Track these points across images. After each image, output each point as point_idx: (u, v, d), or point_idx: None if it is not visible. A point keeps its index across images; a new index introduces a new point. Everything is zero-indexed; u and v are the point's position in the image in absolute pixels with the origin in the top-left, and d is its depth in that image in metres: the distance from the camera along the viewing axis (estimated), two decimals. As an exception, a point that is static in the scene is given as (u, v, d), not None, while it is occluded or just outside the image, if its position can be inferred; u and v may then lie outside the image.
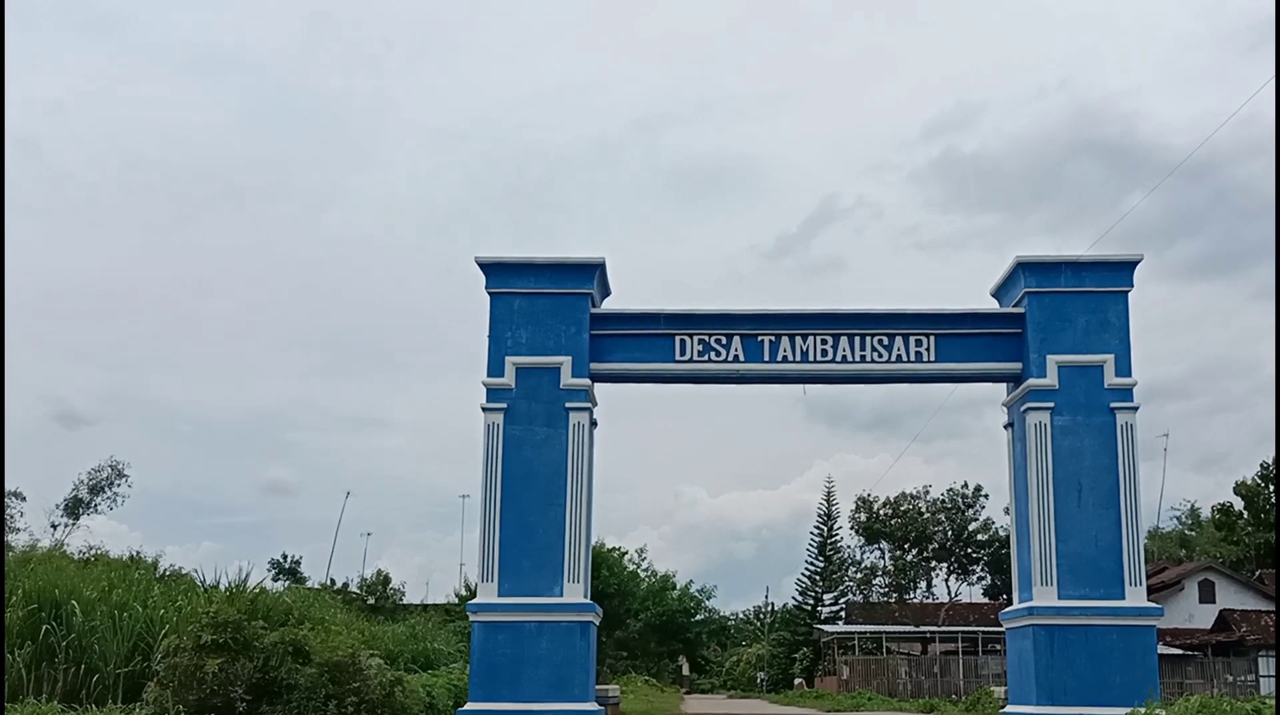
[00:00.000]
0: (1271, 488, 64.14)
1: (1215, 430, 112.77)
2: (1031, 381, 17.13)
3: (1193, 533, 78.36)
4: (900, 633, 56.19)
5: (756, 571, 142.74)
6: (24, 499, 55.75)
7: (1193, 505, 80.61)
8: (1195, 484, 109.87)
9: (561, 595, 16.43)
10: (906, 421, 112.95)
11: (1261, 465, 64.97)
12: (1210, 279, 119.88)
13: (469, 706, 15.96)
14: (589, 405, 17.19)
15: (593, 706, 16.24)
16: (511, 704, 15.86)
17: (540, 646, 16.18)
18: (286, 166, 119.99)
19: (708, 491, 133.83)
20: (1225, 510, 68.01)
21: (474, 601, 16.60)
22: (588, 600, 16.69)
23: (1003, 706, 17.99)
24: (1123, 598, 16.43)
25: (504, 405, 16.99)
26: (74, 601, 19.67)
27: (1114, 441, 16.87)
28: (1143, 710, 14.27)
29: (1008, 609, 18.01)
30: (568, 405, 17.00)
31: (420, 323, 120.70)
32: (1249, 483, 65.55)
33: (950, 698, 31.46)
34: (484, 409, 17.04)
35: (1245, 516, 65.34)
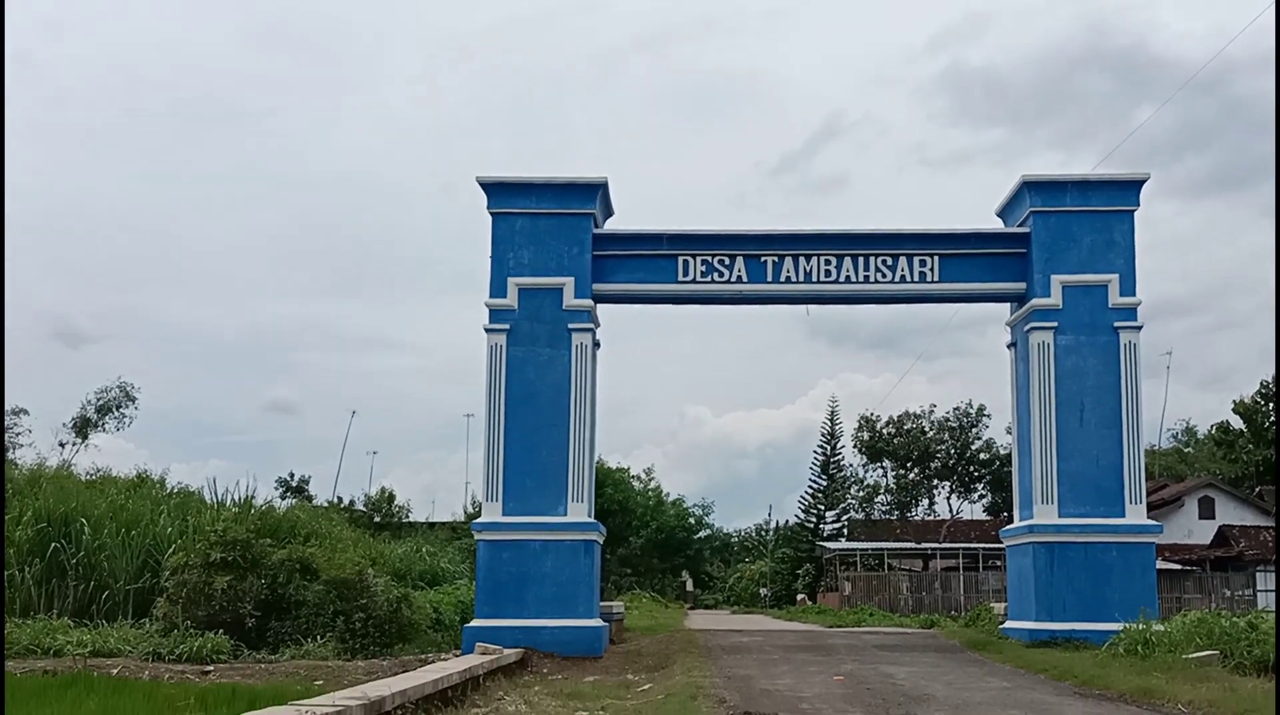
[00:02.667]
0: (1271, 406, 64.24)
1: (1220, 348, 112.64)
2: (1035, 301, 17.08)
3: (1190, 450, 78.61)
4: (902, 549, 56.56)
5: (760, 490, 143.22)
6: (27, 413, 56.02)
7: (1188, 423, 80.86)
8: (1198, 401, 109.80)
9: (565, 514, 16.55)
10: (910, 341, 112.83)
11: (1261, 383, 64.99)
12: (1219, 195, 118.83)
13: (475, 623, 16.14)
14: (591, 326, 17.16)
15: (597, 622, 16.44)
16: (517, 620, 16.02)
17: (545, 564, 16.33)
18: (287, 86, 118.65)
19: (712, 411, 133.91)
20: (1225, 429, 68.20)
21: (479, 521, 16.71)
22: (591, 519, 16.82)
23: (1002, 622, 18.18)
24: (1123, 516, 16.54)
25: (507, 326, 16.96)
26: (83, 520, 19.84)
27: (1117, 361, 16.87)
28: (1140, 625, 14.39)
29: (1008, 526, 18.15)
30: (570, 326, 16.97)
31: (424, 243, 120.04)
32: (1248, 402, 65.62)
33: (950, 613, 31.76)
34: (487, 330, 17.00)
35: (1245, 434, 65.50)
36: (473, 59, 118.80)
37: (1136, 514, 16.55)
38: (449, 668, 10.50)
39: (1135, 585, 16.22)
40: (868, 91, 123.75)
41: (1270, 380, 64.17)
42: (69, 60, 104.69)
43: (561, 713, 9.68)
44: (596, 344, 17.53)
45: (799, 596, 61.08)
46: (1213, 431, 71.28)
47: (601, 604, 18.04)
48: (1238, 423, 66.72)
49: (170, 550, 19.21)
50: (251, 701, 10.27)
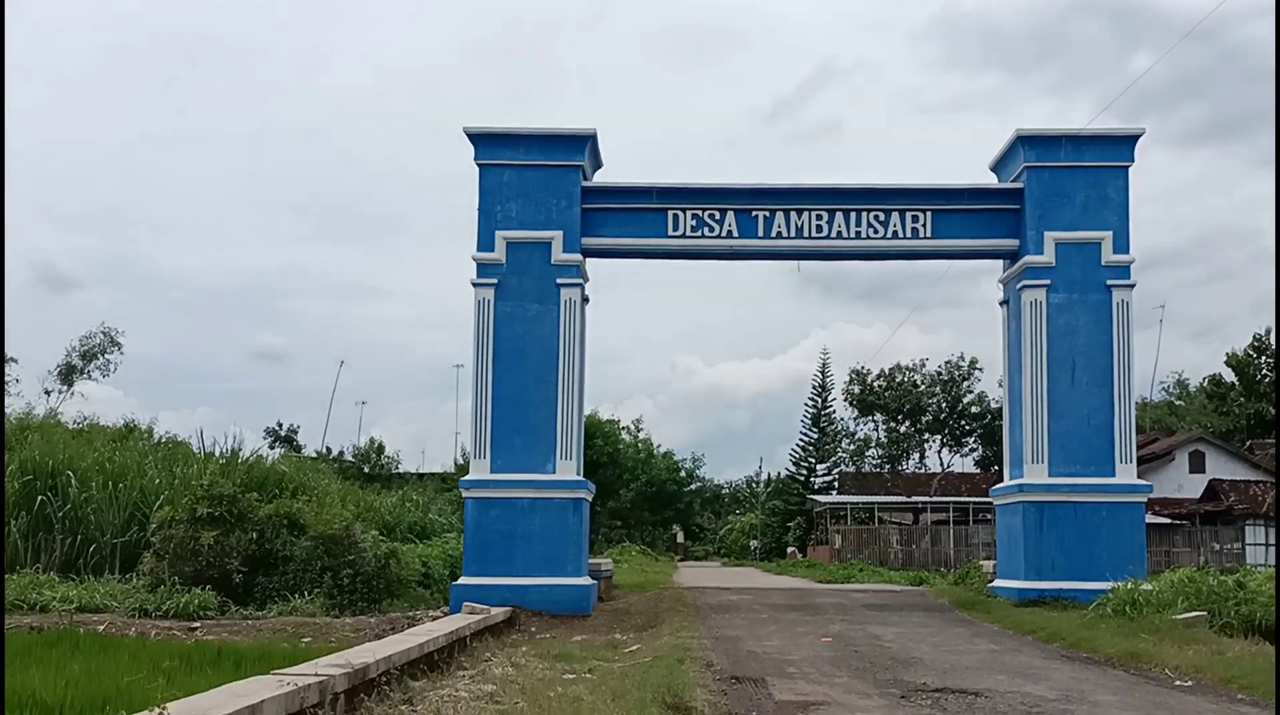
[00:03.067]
0: (1263, 359, 64.32)
1: (1213, 299, 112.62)
2: (1028, 258, 16.92)
3: (1181, 403, 78.83)
4: (892, 503, 56.77)
5: (752, 440, 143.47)
6: (15, 362, 55.82)
7: (1180, 376, 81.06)
8: (1190, 353, 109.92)
9: (554, 472, 16.43)
10: (902, 291, 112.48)
11: (1255, 337, 65.08)
12: (1214, 144, 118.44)
13: (463, 580, 16.07)
14: (580, 281, 16.97)
15: (585, 581, 16.38)
16: (505, 578, 15.95)
17: (533, 522, 16.24)
18: (276, 26, 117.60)
19: (703, 361, 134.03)
20: (1217, 382, 68.35)
21: (466, 478, 16.60)
22: (580, 477, 16.70)
23: (991, 580, 18.17)
24: (1113, 475, 16.49)
25: (494, 281, 16.75)
26: (70, 472, 19.76)
27: (1109, 319, 16.76)
28: (1128, 585, 14.37)
29: (998, 485, 18.10)
30: (559, 281, 16.78)
31: (414, 188, 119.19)
32: (1240, 355, 65.74)
33: (940, 569, 31.86)
34: (474, 284, 16.80)
35: (1237, 387, 65.65)
36: (461, 3, 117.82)
37: (1126, 473, 16.50)
38: (435, 630, 10.41)
39: (1124, 544, 16.20)
40: (861, 36, 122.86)
41: (1263, 333, 64.31)
42: (56, 1, 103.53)
43: (548, 675, 9.59)
44: (585, 299, 17.35)
45: (789, 550, 61.32)
46: (1204, 384, 71.53)
47: (590, 561, 17.99)
48: (1230, 376, 66.89)
49: (157, 503, 19.16)
50: (237, 662, 10.22)
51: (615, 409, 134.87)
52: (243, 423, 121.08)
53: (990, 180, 18.32)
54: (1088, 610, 14.26)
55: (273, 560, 16.79)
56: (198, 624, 14.64)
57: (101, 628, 14.06)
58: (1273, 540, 46.39)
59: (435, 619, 15.03)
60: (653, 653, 10.97)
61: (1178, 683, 9.04)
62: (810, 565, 42.04)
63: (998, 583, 17.50)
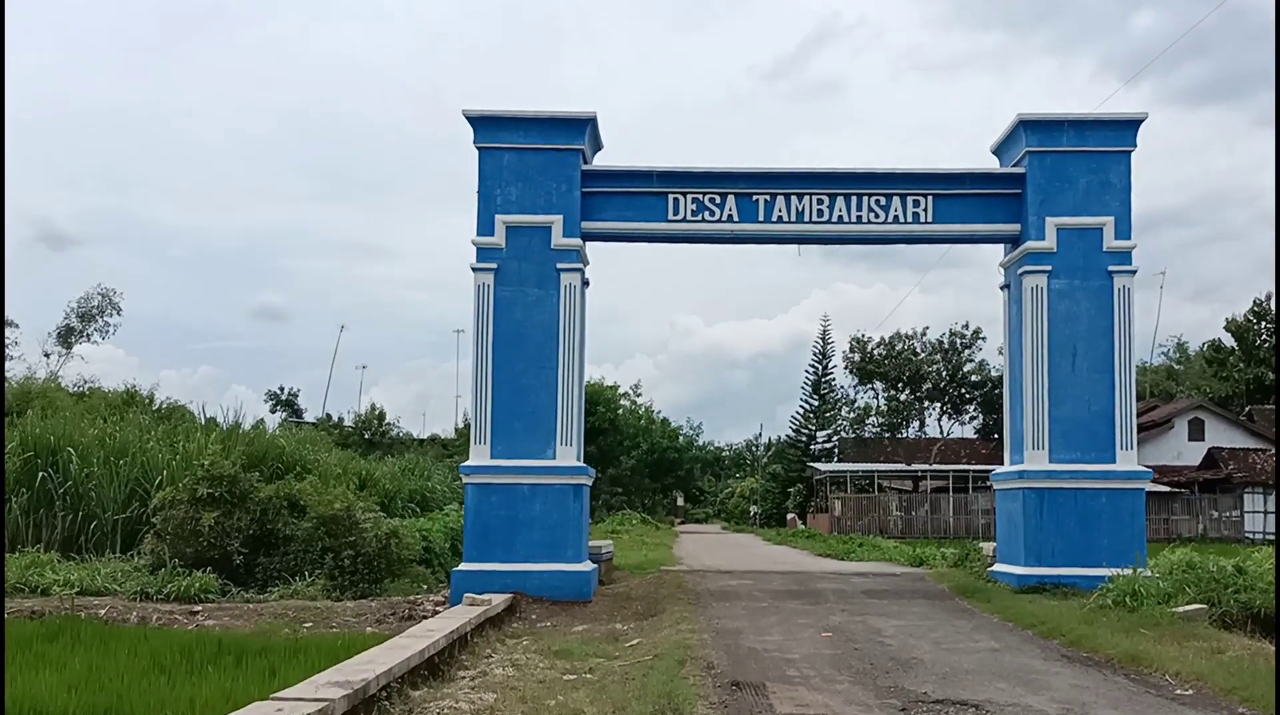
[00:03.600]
0: (1262, 324, 64.32)
1: (1214, 259, 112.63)
2: (1029, 244, 16.85)
3: (1180, 367, 78.92)
4: (892, 471, 56.92)
5: (752, 400, 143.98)
6: (16, 326, 55.82)
7: (1179, 339, 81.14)
8: (1191, 313, 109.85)
9: (554, 458, 16.41)
10: (902, 252, 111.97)
11: (1255, 302, 65.07)
12: (1217, 103, 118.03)
13: (464, 566, 16.08)
14: (580, 266, 16.90)
15: (585, 566, 16.41)
16: (506, 564, 15.98)
17: (533, 508, 16.25)
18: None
19: (703, 321, 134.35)
20: (1216, 347, 68.41)
21: (467, 464, 16.58)
22: (580, 463, 16.70)
23: (990, 564, 18.20)
24: (1114, 461, 16.48)
25: (494, 265, 16.67)
26: (70, 449, 19.81)
27: (1110, 305, 16.70)
28: (1129, 573, 14.40)
29: (998, 470, 18.09)
30: (559, 266, 16.70)
31: (413, 148, 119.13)
32: (1239, 320, 65.75)
33: (940, 538, 31.95)
34: (474, 269, 16.72)
35: (1236, 352, 65.71)
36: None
37: (1128, 460, 16.49)
38: (436, 631, 10.42)
39: (1125, 531, 16.22)
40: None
41: (1263, 298, 64.24)
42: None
43: (549, 676, 9.64)
44: (586, 283, 17.29)
45: (789, 516, 61.56)
46: (1204, 349, 71.53)
47: (590, 543, 18.03)
48: (1229, 341, 66.91)
49: (158, 481, 19.22)
50: (239, 657, 10.27)
51: (615, 369, 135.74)
52: (244, 381, 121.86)
53: (992, 164, 18.22)
54: (1088, 599, 14.29)
55: (274, 541, 16.89)
56: (199, 607, 14.72)
57: (103, 612, 14.15)
58: (1272, 508, 46.54)
59: (436, 605, 15.14)
60: (653, 648, 11.01)
61: (1178, 691, 9.05)
62: (810, 535, 42.15)
63: (998, 567, 17.53)
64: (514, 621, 14.27)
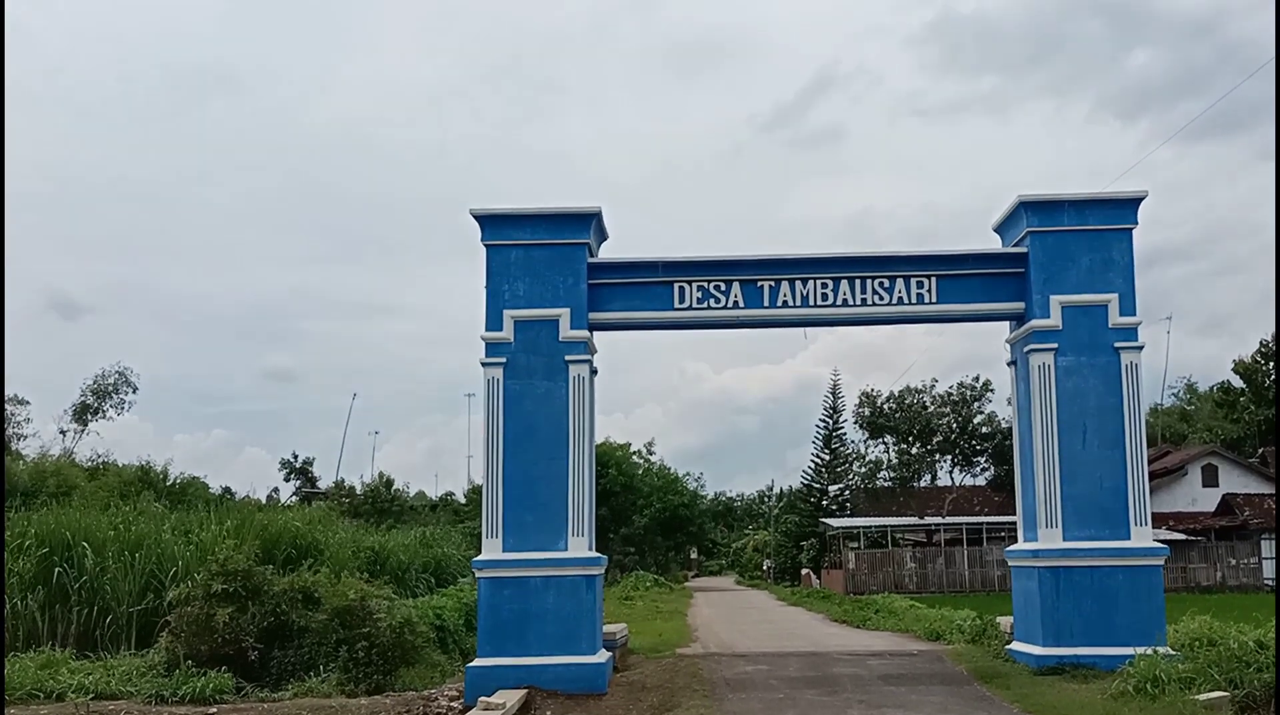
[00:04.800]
0: (1271, 365, 64.09)
1: (1220, 293, 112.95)
2: (1034, 322, 16.91)
3: (1192, 407, 78.79)
4: (905, 525, 56.67)
5: (763, 445, 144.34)
6: (28, 403, 56.15)
7: (1188, 381, 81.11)
8: (1199, 348, 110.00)
9: (566, 549, 16.40)
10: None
11: (1261, 343, 64.90)
12: (1216, 138, 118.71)
13: (477, 662, 16.03)
14: (588, 357, 16.98)
15: (599, 658, 16.35)
16: (519, 658, 15.93)
17: (546, 601, 16.22)
18: (280, 52, 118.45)
19: (712, 367, 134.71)
20: (1225, 389, 68.25)
21: (479, 558, 16.59)
22: (592, 553, 16.70)
23: (1009, 641, 18.11)
24: (1128, 538, 16.43)
25: (503, 359, 16.77)
26: (85, 544, 19.88)
27: (1118, 381, 16.72)
28: (1149, 658, 14.32)
29: (1012, 547, 18.05)
30: (567, 358, 16.78)
31: (420, 207, 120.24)
32: (1247, 361, 65.57)
33: (957, 603, 31.71)
34: (483, 364, 16.83)
35: (1246, 394, 65.50)
36: (463, 22, 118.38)
37: (1142, 536, 16.44)
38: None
39: (1143, 608, 16.14)
40: (860, 42, 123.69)
41: (1270, 339, 64.05)
42: (63, 30, 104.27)
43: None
44: (594, 372, 17.37)
45: (804, 571, 61.33)
46: (1214, 392, 71.34)
47: (605, 628, 17.98)
48: (1239, 382, 66.70)
49: (172, 572, 19.27)
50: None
51: (626, 418, 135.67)
52: (258, 444, 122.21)
53: (994, 243, 18.33)
54: (1108, 683, 14.22)
55: (288, 633, 16.85)
56: (214, 710, 14.72)
57: (118, 720, 14.14)
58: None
59: (450, 700, 15.10)
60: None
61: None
62: (824, 596, 42.02)
63: (1016, 646, 17.44)
64: (529, 719, 14.26)
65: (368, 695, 15.42)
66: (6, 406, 55.55)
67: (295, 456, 79.66)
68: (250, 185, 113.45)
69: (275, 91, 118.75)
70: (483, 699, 14.03)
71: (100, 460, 52.30)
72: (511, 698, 14.37)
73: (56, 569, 19.45)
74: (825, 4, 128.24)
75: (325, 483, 74.96)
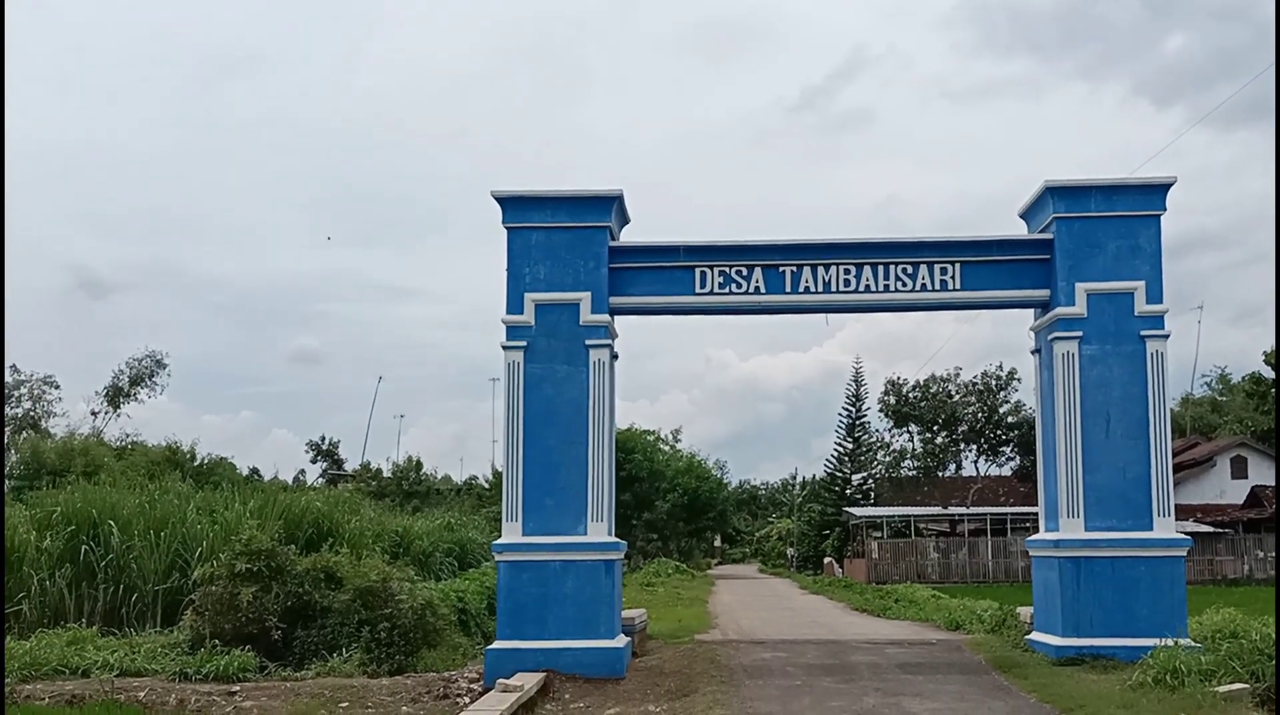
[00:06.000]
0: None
1: (1253, 282, 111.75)
2: (1059, 310, 16.78)
3: (1225, 398, 78.13)
4: (928, 515, 56.50)
5: (788, 433, 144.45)
6: (58, 386, 56.67)
7: (1222, 371, 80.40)
8: (1233, 338, 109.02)
9: (585, 534, 16.43)
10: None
11: (1292, 332, 64.10)
12: (1252, 125, 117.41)
13: (496, 645, 16.10)
14: (609, 341, 16.97)
15: (618, 643, 16.39)
16: (538, 641, 15.98)
17: (565, 585, 16.26)
18: (306, 33, 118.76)
19: (738, 355, 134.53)
20: (1256, 379, 67.60)
21: (499, 542, 16.64)
22: (612, 538, 16.72)
23: (1028, 631, 18.04)
24: (1151, 529, 16.30)
25: (524, 343, 16.79)
26: (111, 522, 20.05)
27: (1143, 370, 16.56)
28: (1169, 649, 14.22)
29: (1033, 537, 17.96)
30: (588, 342, 16.79)
31: (446, 190, 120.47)
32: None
33: (979, 593, 31.64)
34: (504, 347, 16.85)
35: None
36: (489, 2, 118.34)
37: (1165, 527, 16.30)
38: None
39: (1164, 600, 16.01)
40: (888, 23, 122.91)
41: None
42: (90, 9, 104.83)
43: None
44: (614, 356, 17.36)
45: (826, 560, 61.26)
46: (1244, 382, 70.70)
47: (624, 613, 18.03)
48: (1270, 373, 66.05)
49: (198, 552, 19.44)
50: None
51: (651, 405, 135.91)
52: (285, 425, 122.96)
53: (1020, 228, 18.19)
54: (1127, 674, 14.14)
55: (311, 613, 16.97)
56: (237, 687, 14.86)
57: (142, 695, 14.31)
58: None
59: (471, 681, 15.19)
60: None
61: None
62: (846, 585, 41.93)
63: (1035, 636, 17.36)
64: (547, 703, 14.31)
65: (389, 676, 15.53)
66: (37, 386, 56.06)
67: (322, 439, 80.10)
68: (277, 166, 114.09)
69: (302, 72, 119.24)
70: (501, 680, 14.10)
71: (129, 440, 52.76)
72: (530, 680, 14.42)
73: (84, 547, 19.67)
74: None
75: (352, 465, 75.38)
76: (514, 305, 16.92)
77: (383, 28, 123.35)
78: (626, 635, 17.41)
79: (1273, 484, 52.22)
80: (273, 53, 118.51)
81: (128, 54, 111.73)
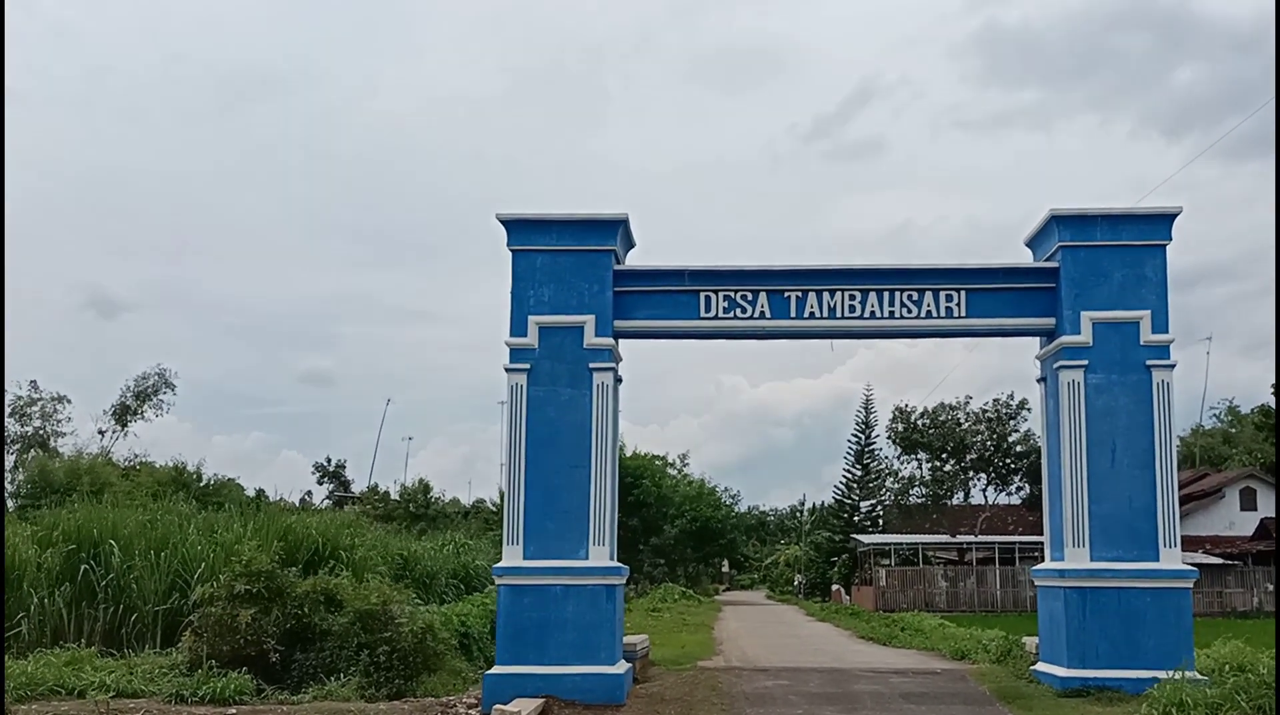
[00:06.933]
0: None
1: (1264, 314, 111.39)
2: (1064, 338, 16.69)
3: (1234, 430, 77.88)
4: (936, 543, 56.24)
5: (798, 459, 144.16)
6: (69, 402, 56.76)
7: (1230, 403, 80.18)
8: (1243, 369, 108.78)
9: (587, 558, 16.31)
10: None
11: (1301, 365, 63.88)
12: (1262, 157, 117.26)
13: (496, 670, 15.96)
14: (613, 364, 16.91)
15: (619, 669, 16.24)
16: (538, 667, 15.83)
17: (566, 610, 16.12)
18: (324, 57, 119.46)
19: (748, 381, 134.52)
20: (1265, 412, 67.36)
21: (499, 565, 16.54)
22: (614, 563, 16.61)
23: (1033, 662, 17.87)
24: (1157, 560, 16.15)
25: (527, 365, 16.72)
26: (112, 541, 20.00)
27: (1149, 400, 16.44)
28: (1175, 683, 14.05)
29: (1039, 566, 17.81)
30: (591, 365, 16.72)
31: (458, 213, 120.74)
32: (1286, 385, 64.57)
33: (986, 623, 31.42)
34: (507, 369, 16.79)
35: (1286, 417, 64.57)
36: (507, 29, 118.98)
37: (1171, 558, 16.15)
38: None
39: (1170, 632, 15.84)
40: (900, 53, 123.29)
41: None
42: (109, 32, 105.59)
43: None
44: (618, 380, 17.31)
45: (834, 587, 60.99)
46: (1254, 414, 70.48)
47: (626, 639, 17.89)
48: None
49: (197, 572, 19.36)
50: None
51: (661, 430, 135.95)
52: (295, 447, 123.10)
53: (1025, 256, 18.13)
54: (1133, 708, 13.99)
55: (310, 636, 16.85)
56: (233, 710, 14.76)
57: (137, 718, 14.18)
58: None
59: (469, 707, 15.08)
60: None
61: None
62: (853, 613, 41.69)
63: (1041, 667, 17.19)
64: (545, 730, 14.18)
65: (387, 700, 15.39)
66: (49, 404, 56.15)
67: (329, 460, 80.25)
68: (292, 188, 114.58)
69: (318, 95, 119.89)
70: (498, 706, 13.99)
71: (137, 460, 52.82)
72: (528, 706, 14.31)
73: (83, 566, 19.60)
74: (868, 15, 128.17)
75: (359, 487, 75.38)
76: (518, 328, 16.87)
77: (401, 52, 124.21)
78: (628, 661, 17.27)
79: (1283, 516, 51.93)
80: (291, 75, 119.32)
81: (148, 77, 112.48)
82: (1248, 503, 54.06)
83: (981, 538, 55.44)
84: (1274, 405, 65.78)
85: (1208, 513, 53.06)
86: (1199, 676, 14.93)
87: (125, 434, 59.80)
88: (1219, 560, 48.23)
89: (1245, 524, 53.00)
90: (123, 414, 60.70)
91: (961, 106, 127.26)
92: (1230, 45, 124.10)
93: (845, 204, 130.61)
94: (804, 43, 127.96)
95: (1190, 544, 43.07)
